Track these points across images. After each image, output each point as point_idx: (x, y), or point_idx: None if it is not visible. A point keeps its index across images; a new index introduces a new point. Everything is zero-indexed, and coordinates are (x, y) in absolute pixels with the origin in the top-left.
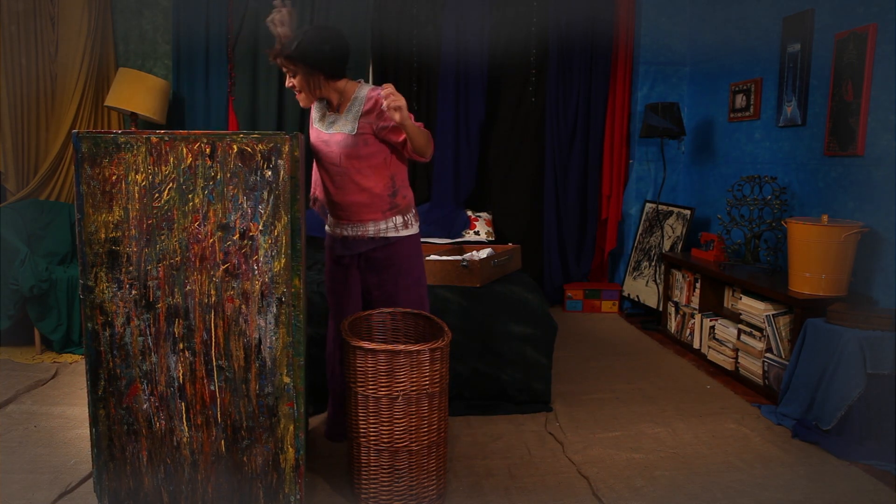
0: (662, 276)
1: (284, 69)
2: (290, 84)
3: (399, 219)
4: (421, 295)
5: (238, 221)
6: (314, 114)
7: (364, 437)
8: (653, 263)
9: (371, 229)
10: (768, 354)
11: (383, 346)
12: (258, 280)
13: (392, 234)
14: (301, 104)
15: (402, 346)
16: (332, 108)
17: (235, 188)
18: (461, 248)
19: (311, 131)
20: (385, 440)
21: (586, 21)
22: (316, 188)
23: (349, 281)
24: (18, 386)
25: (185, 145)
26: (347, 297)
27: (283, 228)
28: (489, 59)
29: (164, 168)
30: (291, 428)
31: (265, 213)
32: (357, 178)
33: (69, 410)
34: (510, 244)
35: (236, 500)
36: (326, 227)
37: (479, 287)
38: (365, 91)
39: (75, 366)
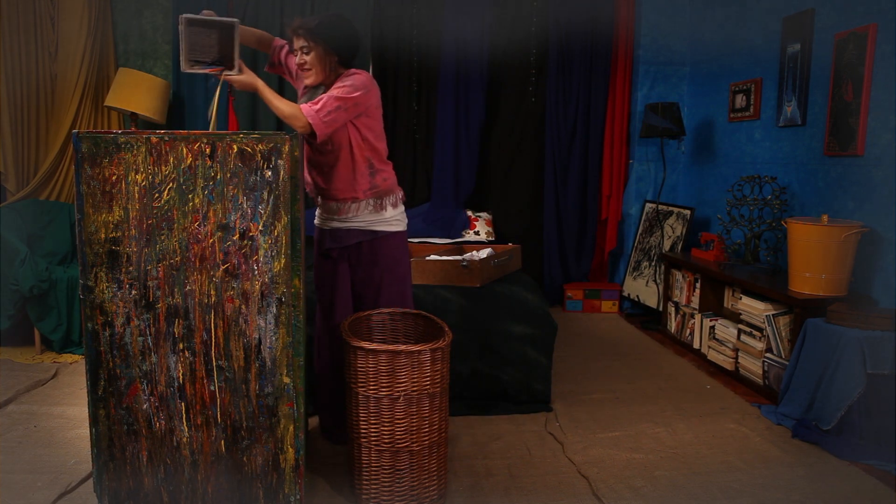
0: (662, 276)
1: (299, 45)
2: (302, 61)
3: (386, 211)
4: (404, 292)
5: (238, 221)
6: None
7: (365, 437)
8: (653, 263)
9: (357, 218)
10: (768, 354)
11: (384, 347)
12: (258, 280)
13: (379, 227)
14: (307, 82)
15: (403, 347)
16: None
17: (235, 188)
18: (461, 248)
19: None
20: (386, 440)
21: (586, 21)
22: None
23: (338, 276)
24: (18, 386)
25: (185, 145)
26: (337, 292)
27: (283, 228)
28: (489, 59)
29: (164, 168)
30: (291, 428)
31: (265, 213)
32: (335, 155)
33: (69, 410)
34: (510, 244)
35: (236, 500)
36: (315, 221)
37: (479, 287)
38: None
39: (75, 366)
